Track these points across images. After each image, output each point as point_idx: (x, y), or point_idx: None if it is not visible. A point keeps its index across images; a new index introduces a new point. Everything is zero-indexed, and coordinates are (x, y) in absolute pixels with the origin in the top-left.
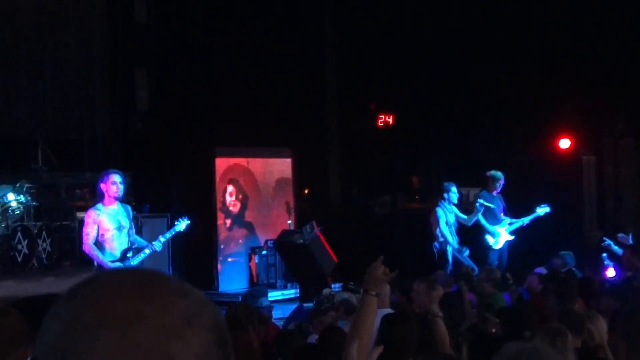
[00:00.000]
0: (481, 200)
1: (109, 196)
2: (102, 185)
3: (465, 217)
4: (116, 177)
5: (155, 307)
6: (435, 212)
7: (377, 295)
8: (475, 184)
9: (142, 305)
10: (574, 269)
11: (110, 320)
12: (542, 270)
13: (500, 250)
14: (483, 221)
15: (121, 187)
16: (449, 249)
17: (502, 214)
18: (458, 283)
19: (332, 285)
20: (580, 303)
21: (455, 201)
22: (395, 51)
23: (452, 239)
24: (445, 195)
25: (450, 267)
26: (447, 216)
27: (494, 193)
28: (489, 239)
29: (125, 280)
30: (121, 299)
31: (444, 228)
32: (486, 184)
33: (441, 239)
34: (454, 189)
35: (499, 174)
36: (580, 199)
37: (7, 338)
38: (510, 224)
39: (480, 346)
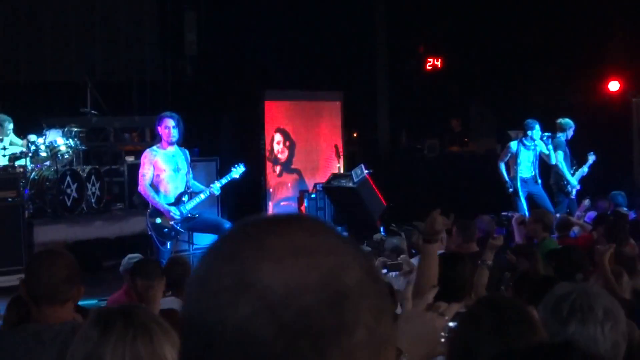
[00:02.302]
0: (562, 152)
1: (164, 140)
2: (158, 129)
3: (548, 152)
4: (170, 122)
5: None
6: (508, 145)
7: (436, 241)
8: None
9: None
10: (625, 209)
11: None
12: (593, 214)
13: (572, 199)
14: (564, 168)
15: (174, 131)
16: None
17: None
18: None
19: (382, 229)
20: (632, 245)
21: (538, 139)
22: None
23: (520, 173)
24: (529, 132)
25: (522, 206)
26: (525, 153)
27: (565, 140)
28: (564, 186)
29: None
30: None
31: (504, 162)
32: (558, 131)
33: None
34: (537, 127)
35: (569, 122)
36: (630, 142)
37: (63, 277)
38: (574, 174)
39: (526, 288)
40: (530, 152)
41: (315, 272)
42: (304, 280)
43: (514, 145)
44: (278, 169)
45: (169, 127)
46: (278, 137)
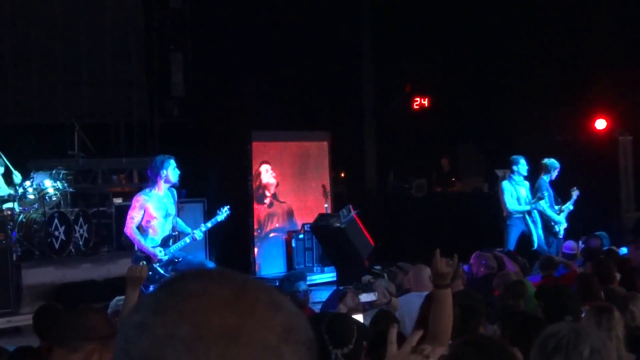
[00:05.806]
0: (546, 193)
1: (168, 182)
2: (162, 172)
3: (530, 198)
4: (174, 163)
5: (252, 322)
6: (501, 186)
7: (447, 286)
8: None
9: (239, 321)
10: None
11: (207, 335)
12: (571, 244)
13: (559, 239)
14: (548, 210)
15: (178, 172)
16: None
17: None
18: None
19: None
20: (617, 283)
21: (525, 173)
22: (432, 34)
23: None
24: (515, 167)
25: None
26: (517, 190)
27: (549, 181)
28: (551, 227)
29: (218, 290)
30: (216, 312)
31: (508, 199)
32: (542, 171)
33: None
34: (522, 161)
35: (555, 162)
36: (617, 180)
37: (80, 326)
38: (561, 212)
39: (513, 327)
40: (520, 188)
41: None
42: None
43: (506, 185)
44: (268, 200)
45: (175, 168)
46: (267, 167)
